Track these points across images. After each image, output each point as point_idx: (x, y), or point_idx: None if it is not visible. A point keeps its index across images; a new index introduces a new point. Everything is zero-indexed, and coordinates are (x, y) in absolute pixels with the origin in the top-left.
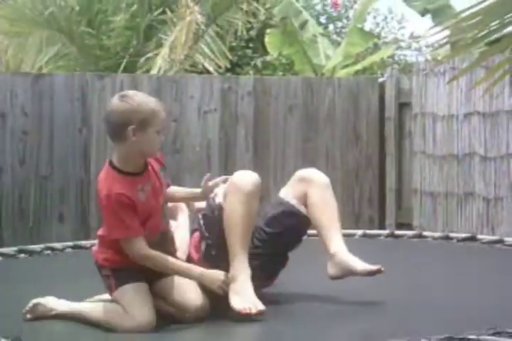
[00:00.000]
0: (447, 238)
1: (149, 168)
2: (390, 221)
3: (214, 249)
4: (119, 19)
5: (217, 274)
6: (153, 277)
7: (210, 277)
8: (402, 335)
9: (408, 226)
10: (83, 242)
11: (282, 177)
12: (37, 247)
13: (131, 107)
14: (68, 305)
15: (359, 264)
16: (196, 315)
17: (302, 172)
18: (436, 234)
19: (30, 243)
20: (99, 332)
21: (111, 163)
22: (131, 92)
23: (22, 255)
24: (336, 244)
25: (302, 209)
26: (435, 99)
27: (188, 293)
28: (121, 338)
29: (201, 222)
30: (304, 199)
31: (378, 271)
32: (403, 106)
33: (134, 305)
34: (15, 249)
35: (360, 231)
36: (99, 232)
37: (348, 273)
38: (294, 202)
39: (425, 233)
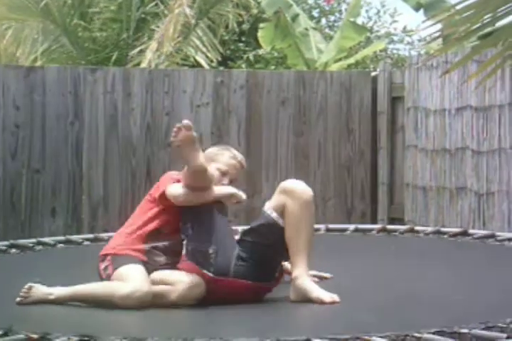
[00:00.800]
0: (439, 232)
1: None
2: (382, 215)
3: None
4: (99, 10)
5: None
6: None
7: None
8: (394, 329)
9: (400, 220)
10: (75, 237)
11: (275, 170)
12: (28, 241)
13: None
14: (64, 288)
15: (314, 292)
16: (191, 289)
17: (285, 184)
18: (428, 229)
19: (22, 237)
20: (94, 314)
21: None
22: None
23: (13, 250)
24: (299, 269)
25: (281, 221)
26: (428, 93)
27: (183, 274)
28: (115, 319)
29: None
30: (284, 211)
31: (333, 303)
32: (396, 100)
33: (131, 276)
34: (6, 243)
35: (352, 226)
36: (120, 230)
37: (304, 298)
38: (274, 215)
39: (417, 228)
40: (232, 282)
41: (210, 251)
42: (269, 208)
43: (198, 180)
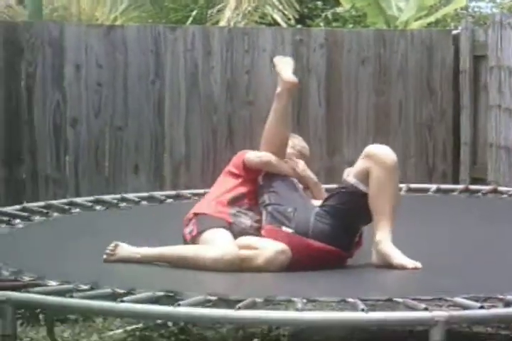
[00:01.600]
0: None
1: None
2: (463, 176)
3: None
4: None
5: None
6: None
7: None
8: (476, 292)
9: (483, 181)
10: (158, 193)
11: (355, 130)
12: (113, 197)
13: None
14: (150, 248)
15: (396, 258)
16: (277, 255)
17: (370, 149)
18: None
19: (106, 193)
20: (178, 273)
21: None
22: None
23: (98, 207)
24: (382, 233)
25: (362, 187)
26: (511, 51)
27: (270, 240)
28: (199, 278)
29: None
30: (367, 177)
31: (414, 269)
32: (478, 59)
33: (218, 239)
34: (91, 198)
35: (433, 186)
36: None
37: (386, 263)
38: (353, 181)
39: (500, 188)
40: (313, 243)
41: (289, 209)
42: (349, 174)
43: (287, 100)
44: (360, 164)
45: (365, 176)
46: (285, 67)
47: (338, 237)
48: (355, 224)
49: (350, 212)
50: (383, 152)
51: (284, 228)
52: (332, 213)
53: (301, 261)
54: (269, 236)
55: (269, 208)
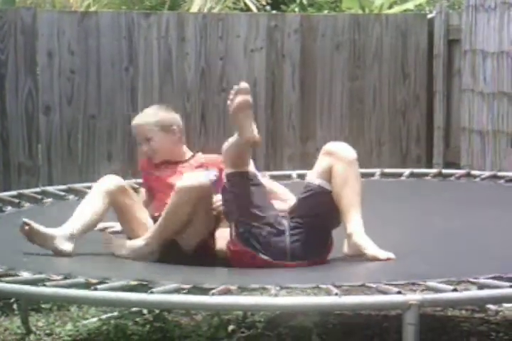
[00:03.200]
0: (495, 177)
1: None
2: (437, 160)
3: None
4: None
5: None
6: None
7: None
8: (450, 276)
9: (456, 165)
10: (131, 181)
11: (329, 115)
12: (85, 186)
13: None
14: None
15: (370, 250)
16: None
17: (329, 146)
18: (485, 173)
19: (79, 181)
20: (151, 265)
21: None
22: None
23: (71, 196)
24: (353, 225)
25: (328, 186)
26: (485, 35)
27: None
28: (171, 268)
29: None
30: (330, 174)
31: (387, 260)
32: (452, 43)
33: None
34: (64, 187)
35: (407, 171)
36: None
37: (359, 255)
38: (318, 181)
39: (473, 172)
40: (291, 265)
41: (263, 233)
42: (312, 177)
43: (245, 153)
44: (322, 163)
45: (328, 175)
46: (246, 119)
47: (314, 250)
48: (327, 230)
49: (322, 217)
50: (343, 148)
51: (261, 255)
52: (305, 223)
53: None
54: (241, 259)
55: (241, 229)
